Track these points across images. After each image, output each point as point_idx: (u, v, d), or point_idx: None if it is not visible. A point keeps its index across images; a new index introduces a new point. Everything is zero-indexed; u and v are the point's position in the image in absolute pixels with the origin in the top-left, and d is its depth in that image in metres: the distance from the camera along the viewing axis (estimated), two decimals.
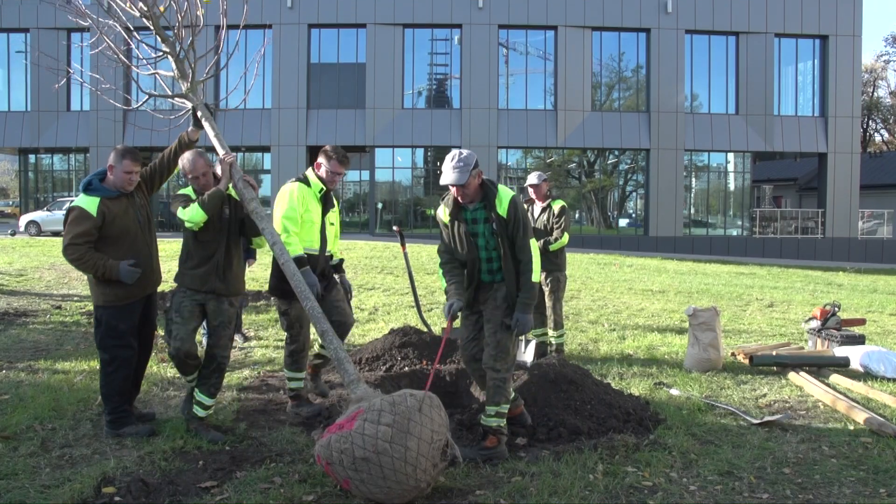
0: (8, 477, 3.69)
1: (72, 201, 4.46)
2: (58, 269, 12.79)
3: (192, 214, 4.21)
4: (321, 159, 4.82)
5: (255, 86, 27.95)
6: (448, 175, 3.99)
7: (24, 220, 25.16)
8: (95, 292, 4.37)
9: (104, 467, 3.81)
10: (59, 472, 3.77)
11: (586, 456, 4.06)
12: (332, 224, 5.01)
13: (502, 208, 4.05)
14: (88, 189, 4.32)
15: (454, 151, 4.07)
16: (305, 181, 4.81)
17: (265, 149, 28.18)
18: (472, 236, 4.16)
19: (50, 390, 5.19)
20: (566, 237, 6.65)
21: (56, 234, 24.12)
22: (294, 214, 4.65)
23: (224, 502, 3.46)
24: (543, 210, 6.76)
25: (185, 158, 4.46)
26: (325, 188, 4.85)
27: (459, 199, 4.09)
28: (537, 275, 4.13)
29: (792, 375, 6.14)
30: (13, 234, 23.22)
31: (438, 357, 4.45)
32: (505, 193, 4.09)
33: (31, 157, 30.26)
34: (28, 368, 5.97)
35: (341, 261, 5.23)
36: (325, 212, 4.90)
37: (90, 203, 4.25)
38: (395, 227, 8.09)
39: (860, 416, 4.86)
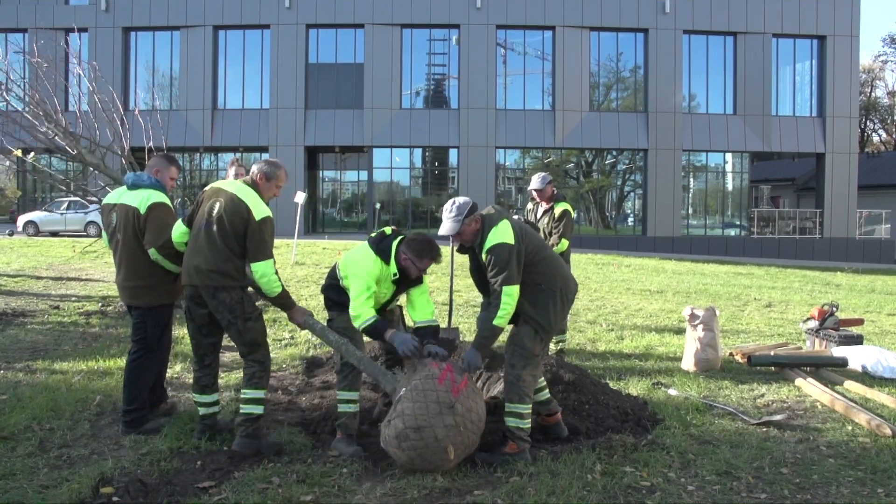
0: (6, 477, 3.69)
1: (149, 198, 4.47)
2: (55, 269, 12.78)
3: (268, 271, 4.13)
4: (409, 254, 4.15)
5: (253, 86, 27.97)
6: (444, 226, 4.12)
7: (21, 220, 25.11)
8: (153, 292, 4.48)
9: (102, 467, 3.81)
10: (57, 473, 3.77)
11: (584, 456, 4.06)
12: (397, 302, 4.62)
13: (483, 253, 4.09)
14: (159, 187, 4.53)
15: (451, 200, 4.14)
16: (386, 258, 4.21)
17: (263, 149, 28.16)
18: (479, 270, 4.25)
19: (48, 390, 5.18)
20: (565, 243, 6.38)
21: (54, 234, 24.08)
22: (368, 293, 4.16)
23: (222, 502, 3.46)
24: (546, 212, 6.54)
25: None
26: (400, 275, 4.27)
27: (459, 243, 4.24)
28: (502, 321, 4.02)
29: (802, 383, 6.14)
30: (11, 234, 23.18)
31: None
32: (490, 240, 4.04)
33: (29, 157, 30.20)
34: (26, 369, 5.96)
35: (435, 328, 4.39)
36: (397, 292, 4.41)
37: (168, 200, 4.55)
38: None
39: None
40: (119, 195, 4.58)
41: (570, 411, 4.77)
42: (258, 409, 4.18)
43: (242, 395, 4.22)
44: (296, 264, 13.91)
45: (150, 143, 9.49)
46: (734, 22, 27.75)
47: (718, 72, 28.32)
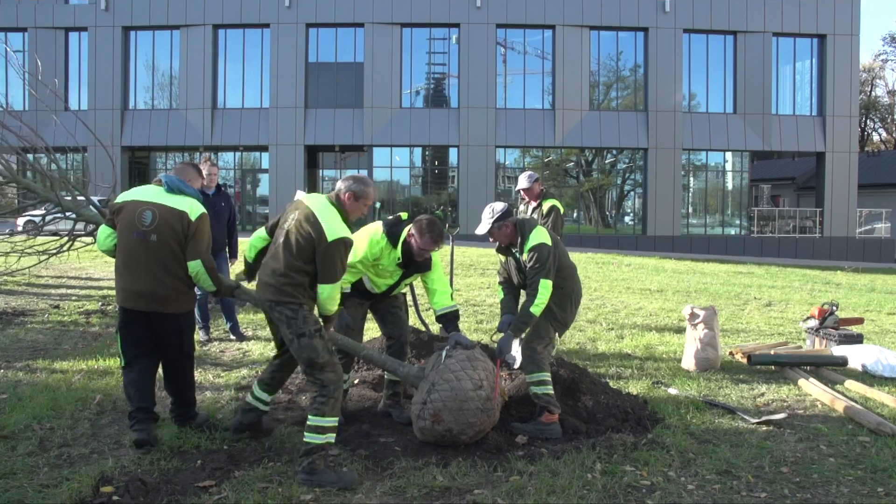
0: (6, 476, 3.69)
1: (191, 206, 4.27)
2: (56, 268, 12.78)
3: (333, 293, 3.98)
4: (414, 230, 4.30)
5: (253, 85, 27.96)
6: (480, 226, 4.68)
7: (22, 219, 25.07)
8: (186, 298, 4.36)
9: (102, 467, 3.81)
10: (58, 472, 3.77)
11: (584, 455, 4.07)
12: (406, 285, 4.72)
13: (524, 254, 4.58)
14: (199, 197, 4.41)
15: (490, 205, 4.68)
16: (395, 242, 4.36)
17: (263, 148, 28.14)
18: (519, 270, 4.78)
19: (48, 390, 5.19)
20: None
21: (54, 234, 24.03)
22: (362, 264, 4.38)
23: (222, 501, 3.46)
24: (535, 210, 6.69)
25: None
26: (404, 259, 4.40)
27: (497, 243, 4.76)
28: (538, 309, 4.49)
29: (802, 382, 6.13)
30: (11, 233, 23.16)
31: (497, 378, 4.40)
32: (532, 240, 4.54)
33: (29, 157, 30.25)
34: (26, 368, 5.96)
35: (455, 314, 4.58)
36: (403, 277, 4.53)
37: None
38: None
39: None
40: (152, 194, 4.26)
41: (571, 410, 4.77)
42: (318, 439, 3.75)
43: (307, 422, 3.83)
44: None
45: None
46: (734, 21, 27.73)
47: (718, 71, 28.29)
